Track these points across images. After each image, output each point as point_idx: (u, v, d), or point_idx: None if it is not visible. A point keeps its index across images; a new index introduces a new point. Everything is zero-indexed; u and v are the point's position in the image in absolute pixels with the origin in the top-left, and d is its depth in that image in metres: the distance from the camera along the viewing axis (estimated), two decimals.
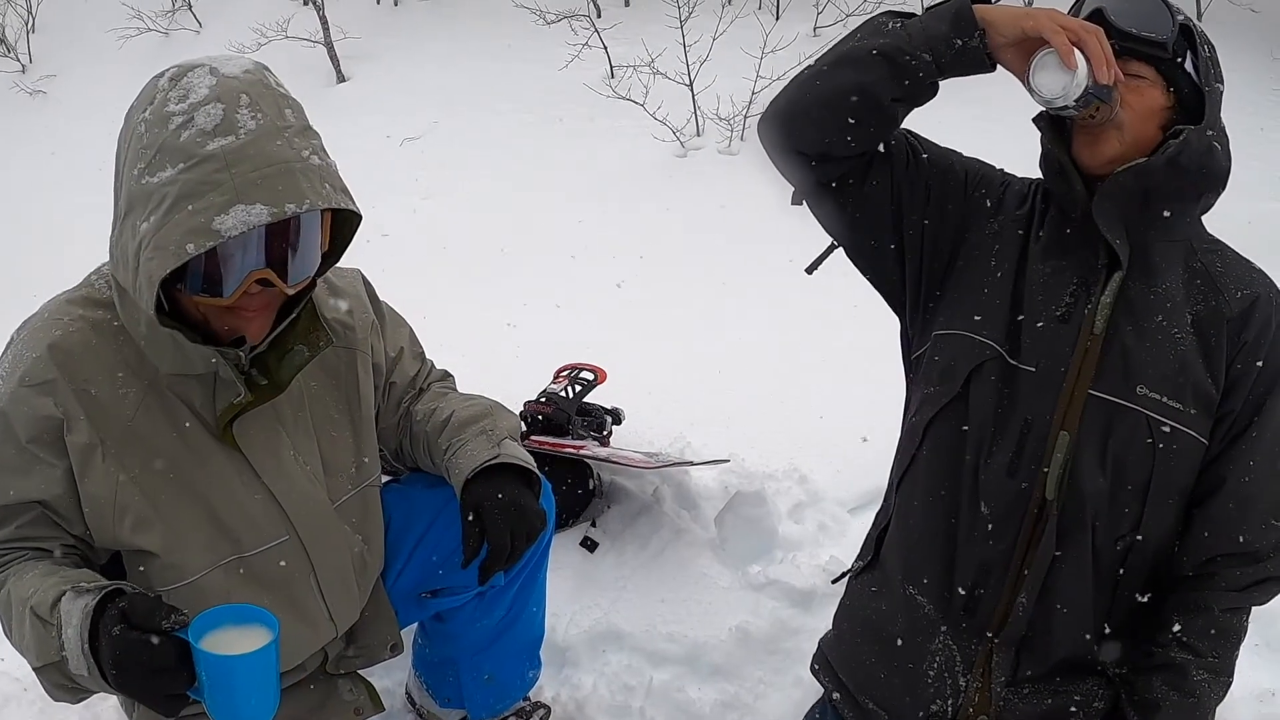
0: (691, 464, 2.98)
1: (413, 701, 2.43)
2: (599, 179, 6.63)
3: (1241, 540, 1.68)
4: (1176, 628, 1.69)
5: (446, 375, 2.14)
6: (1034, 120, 1.79)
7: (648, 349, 4.40)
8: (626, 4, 8.48)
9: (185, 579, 1.68)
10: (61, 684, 1.52)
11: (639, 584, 2.78)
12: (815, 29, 7.72)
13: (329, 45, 8.32)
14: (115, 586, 1.48)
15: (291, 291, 1.55)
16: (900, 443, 1.93)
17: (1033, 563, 1.70)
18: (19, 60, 9.25)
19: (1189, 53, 1.68)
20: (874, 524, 2.01)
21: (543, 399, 3.05)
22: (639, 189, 6.50)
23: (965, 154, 1.88)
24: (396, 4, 9.13)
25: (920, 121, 1.79)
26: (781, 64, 6.80)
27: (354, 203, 1.54)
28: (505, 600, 2.11)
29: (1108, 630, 1.74)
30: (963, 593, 1.75)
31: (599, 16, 8.06)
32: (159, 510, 1.64)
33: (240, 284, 1.49)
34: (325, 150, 1.52)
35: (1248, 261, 1.77)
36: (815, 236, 1.98)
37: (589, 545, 2.92)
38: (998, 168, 1.88)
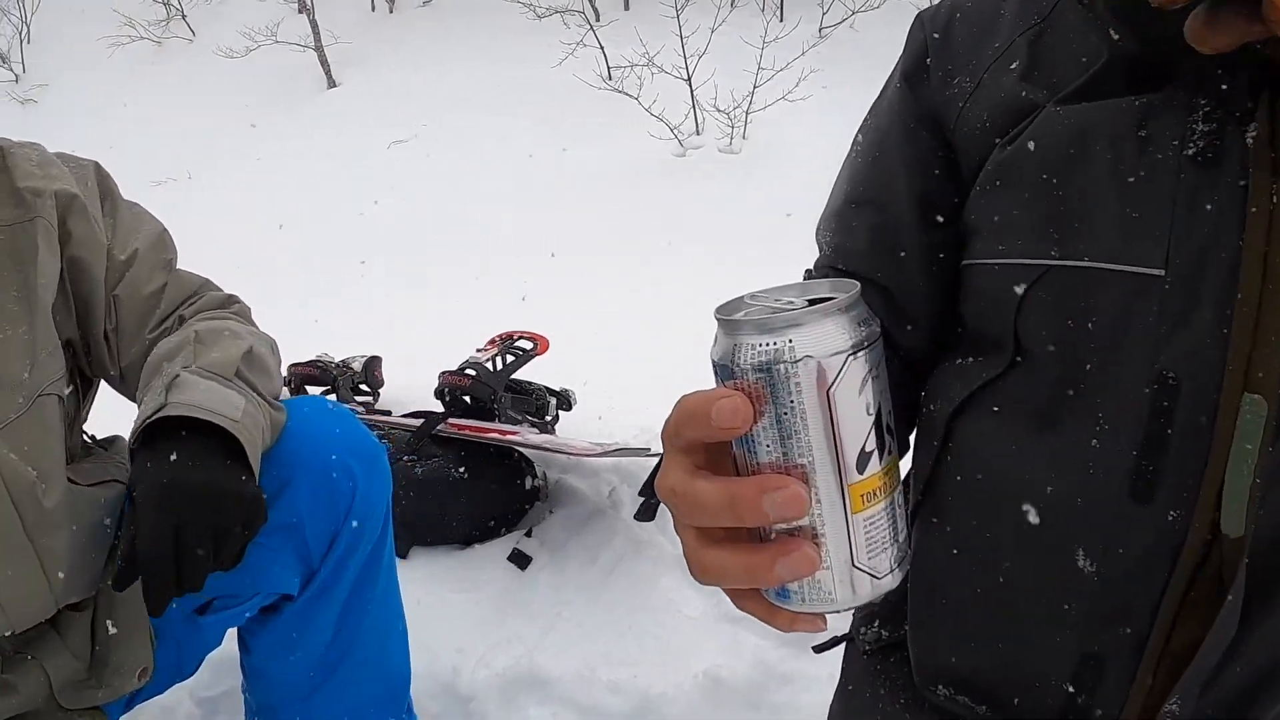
0: (649, 453, 2.17)
1: None
2: (593, 178, 5.93)
3: None
4: None
5: (231, 300, 1.42)
6: None
7: (630, 346, 3.69)
8: (626, 7, 7.77)
9: None
10: None
11: (579, 612, 1.97)
12: (821, 29, 6.96)
13: (319, 50, 7.66)
14: None
15: None
16: (915, 450, 1.00)
17: (1194, 645, 0.83)
18: (12, 70, 8.65)
19: None
20: None
21: (465, 370, 2.26)
22: (635, 188, 5.78)
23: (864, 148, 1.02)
24: (391, 11, 8.45)
25: None
26: (784, 54, 6.08)
27: None
28: (321, 622, 1.35)
29: None
30: (1050, 702, 0.90)
31: (598, 20, 7.34)
32: None
33: None
34: None
35: None
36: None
37: (519, 561, 2.12)
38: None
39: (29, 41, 8.93)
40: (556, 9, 7.12)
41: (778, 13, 7.28)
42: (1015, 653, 0.87)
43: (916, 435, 0.97)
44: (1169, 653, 0.79)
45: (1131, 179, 0.77)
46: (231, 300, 1.41)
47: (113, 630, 1.31)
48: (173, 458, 1.11)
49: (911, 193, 0.93)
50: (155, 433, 1.13)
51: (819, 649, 1.14)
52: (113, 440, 1.55)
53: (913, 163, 0.93)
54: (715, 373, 0.57)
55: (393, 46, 7.98)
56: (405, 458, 2.22)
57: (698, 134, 6.16)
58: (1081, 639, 0.82)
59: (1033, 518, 0.83)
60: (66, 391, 1.27)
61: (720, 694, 1.74)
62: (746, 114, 5.97)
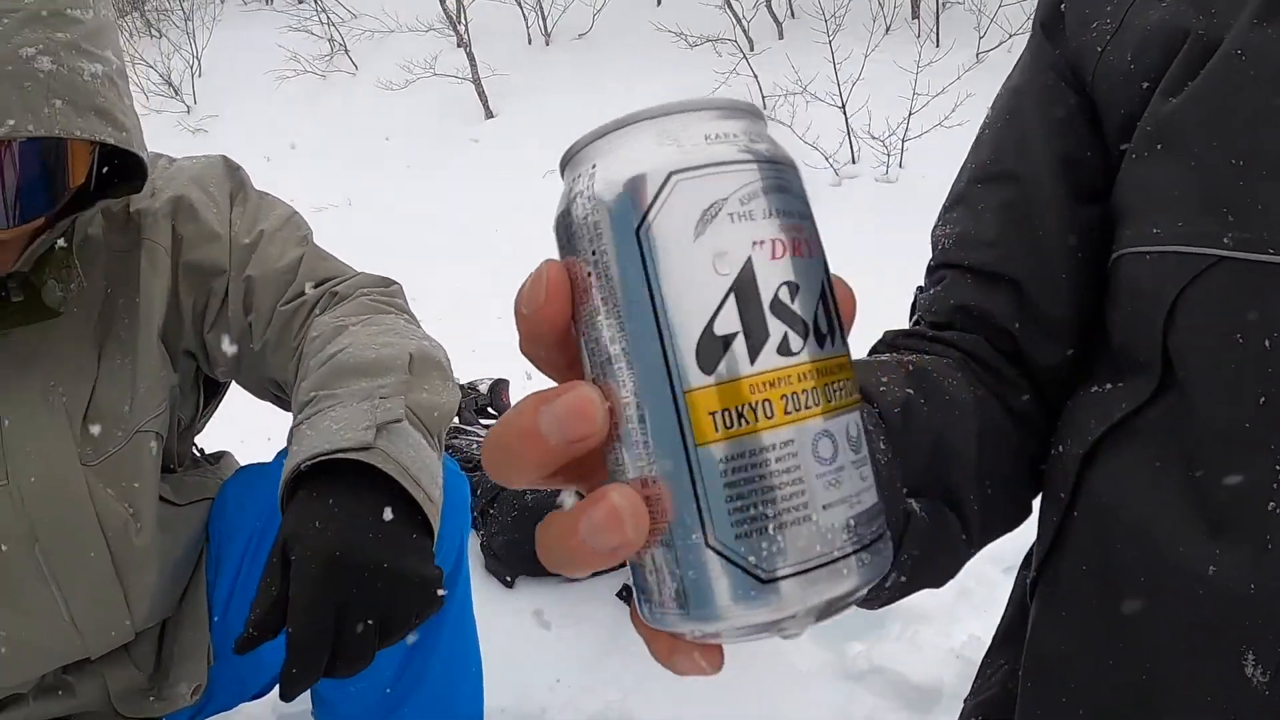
0: None
1: None
2: None
3: None
4: None
5: (387, 281, 1.32)
6: None
7: None
8: (780, 36, 7.64)
9: None
10: None
11: None
12: (978, 54, 6.69)
13: (477, 82, 7.76)
14: None
15: (6, 235, 1.02)
16: (1041, 504, 0.79)
17: None
18: (184, 102, 9.06)
19: None
20: (995, 646, 0.89)
21: None
22: None
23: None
24: (548, 44, 8.52)
25: None
26: (940, 79, 5.86)
27: (111, 129, 0.99)
28: (384, 655, 1.23)
29: None
30: None
31: (752, 50, 7.24)
32: None
33: None
34: (94, 50, 0.98)
35: None
36: None
37: (629, 596, 1.99)
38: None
39: (200, 75, 9.36)
40: (709, 38, 7.05)
41: (933, 37, 7.04)
42: None
43: (1044, 492, 0.78)
44: None
45: None
46: (388, 281, 1.32)
47: (176, 645, 1.27)
48: (348, 519, 0.91)
49: (1052, 156, 0.74)
50: (327, 470, 0.94)
51: None
52: (220, 456, 1.50)
53: (1053, 121, 0.75)
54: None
55: (548, 77, 8.03)
56: None
57: (853, 162, 5.98)
58: None
59: (1186, 603, 0.62)
60: (164, 429, 1.23)
61: None
62: (903, 141, 5.75)
